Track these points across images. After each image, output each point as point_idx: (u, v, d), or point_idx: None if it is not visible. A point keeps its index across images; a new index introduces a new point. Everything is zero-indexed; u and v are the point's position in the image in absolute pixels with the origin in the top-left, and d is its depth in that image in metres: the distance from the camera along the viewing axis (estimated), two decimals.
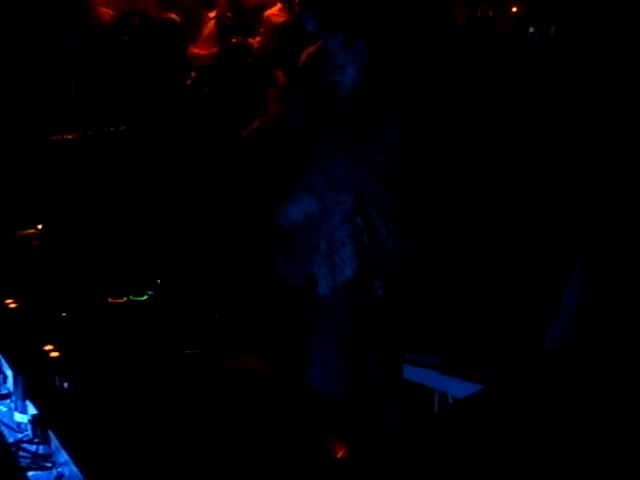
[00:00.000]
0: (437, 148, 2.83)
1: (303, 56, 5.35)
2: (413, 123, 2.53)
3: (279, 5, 6.75)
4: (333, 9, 2.66)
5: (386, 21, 2.67)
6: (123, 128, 3.67)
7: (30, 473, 1.79)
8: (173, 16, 6.78)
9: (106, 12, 6.68)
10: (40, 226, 3.16)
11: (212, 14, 7.25)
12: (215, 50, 6.88)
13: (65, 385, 1.96)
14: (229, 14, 7.02)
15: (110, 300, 2.41)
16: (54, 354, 2.09)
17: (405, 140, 2.51)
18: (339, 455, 1.70)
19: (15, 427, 1.96)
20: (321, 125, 2.60)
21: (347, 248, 2.53)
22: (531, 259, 3.08)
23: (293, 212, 2.57)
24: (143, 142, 3.89)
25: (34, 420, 1.89)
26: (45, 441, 1.85)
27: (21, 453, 1.84)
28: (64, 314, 2.29)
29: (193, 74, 6.46)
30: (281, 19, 6.81)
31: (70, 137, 3.57)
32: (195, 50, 7.12)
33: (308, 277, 2.61)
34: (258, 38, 6.81)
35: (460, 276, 3.17)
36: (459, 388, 2.89)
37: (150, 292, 2.51)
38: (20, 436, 1.92)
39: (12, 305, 2.41)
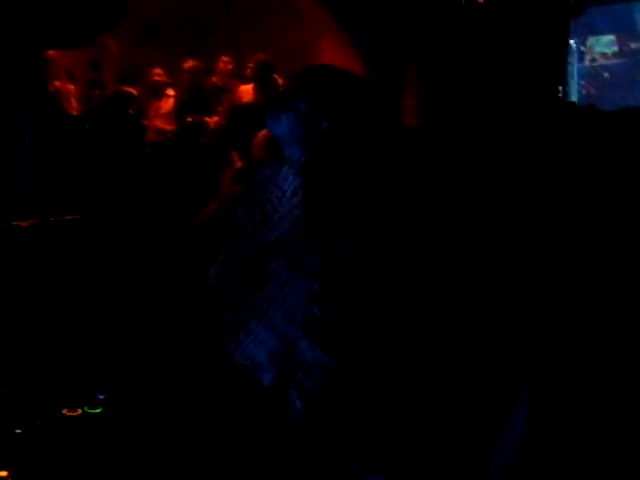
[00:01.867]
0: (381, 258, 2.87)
1: (255, 141, 5.45)
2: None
3: (253, 85, 6.93)
4: (305, 123, 2.60)
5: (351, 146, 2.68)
6: (77, 217, 3.69)
7: None
8: (132, 91, 6.87)
9: (65, 87, 6.74)
10: None
11: (171, 92, 7.37)
12: (172, 127, 6.98)
13: None
14: (187, 93, 7.14)
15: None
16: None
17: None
18: None
19: None
20: (266, 256, 2.61)
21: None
22: (474, 380, 3.13)
23: (256, 352, 2.58)
24: (97, 232, 3.91)
25: None
26: None
27: None
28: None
29: (147, 150, 6.52)
30: (247, 98, 7.00)
31: (24, 225, 3.58)
32: (153, 123, 7.22)
33: None
34: (215, 118, 6.94)
35: (404, 389, 3.21)
36: None
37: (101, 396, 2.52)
38: None
39: None
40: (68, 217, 3.73)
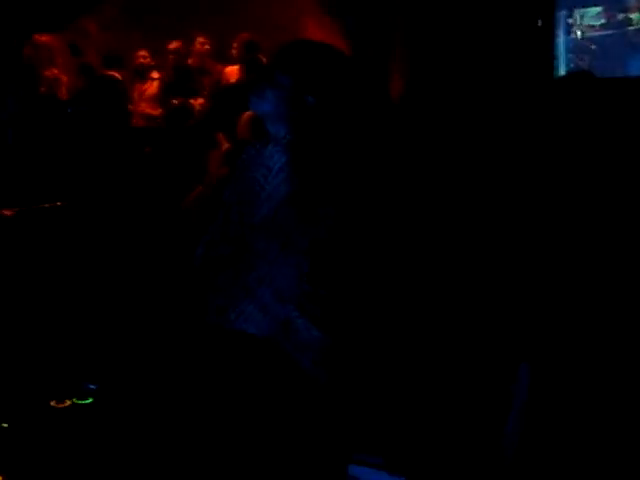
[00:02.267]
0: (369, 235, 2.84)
1: (241, 122, 5.40)
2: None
3: (239, 66, 6.83)
4: (289, 100, 2.57)
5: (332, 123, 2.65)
6: (64, 204, 3.63)
7: None
8: (116, 74, 6.78)
9: (61, 74, 6.64)
10: None
11: (155, 75, 7.28)
12: (157, 111, 6.90)
13: None
14: (172, 75, 7.05)
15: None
16: None
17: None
18: None
19: None
20: (254, 236, 2.58)
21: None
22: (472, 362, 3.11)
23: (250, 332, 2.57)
24: (84, 219, 3.85)
25: None
26: None
27: None
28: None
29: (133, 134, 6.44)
30: (233, 79, 6.91)
31: (9, 213, 3.53)
32: (139, 107, 7.14)
33: None
34: (200, 100, 6.86)
35: (404, 370, 3.19)
36: None
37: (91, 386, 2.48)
38: None
39: None
40: (54, 204, 3.67)
